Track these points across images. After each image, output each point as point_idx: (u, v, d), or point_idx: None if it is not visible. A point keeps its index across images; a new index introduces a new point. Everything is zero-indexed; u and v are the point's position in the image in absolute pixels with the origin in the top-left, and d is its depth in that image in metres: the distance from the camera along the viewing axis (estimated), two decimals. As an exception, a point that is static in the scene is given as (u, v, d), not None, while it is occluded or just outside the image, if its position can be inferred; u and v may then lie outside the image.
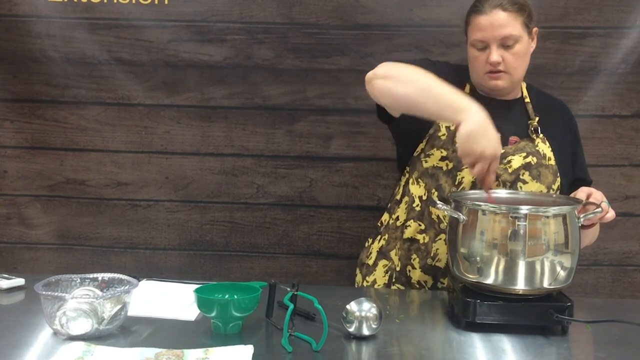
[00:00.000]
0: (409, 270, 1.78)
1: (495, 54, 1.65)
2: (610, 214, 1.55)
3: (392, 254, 1.82)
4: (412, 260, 1.78)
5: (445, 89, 1.55)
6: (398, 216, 1.83)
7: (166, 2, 2.27)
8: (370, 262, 1.87)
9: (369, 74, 1.67)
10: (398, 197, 1.85)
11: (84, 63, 2.32)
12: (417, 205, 1.78)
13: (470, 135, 1.47)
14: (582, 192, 1.58)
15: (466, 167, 1.66)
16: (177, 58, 2.30)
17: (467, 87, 1.78)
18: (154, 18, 2.28)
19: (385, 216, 1.90)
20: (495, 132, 1.49)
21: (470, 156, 1.48)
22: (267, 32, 2.27)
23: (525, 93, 1.81)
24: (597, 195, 1.56)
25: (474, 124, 1.47)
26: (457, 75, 1.80)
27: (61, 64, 2.32)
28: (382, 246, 1.86)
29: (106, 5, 2.27)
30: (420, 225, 1.77)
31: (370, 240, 1.92)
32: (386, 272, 1.82)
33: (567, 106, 1.89)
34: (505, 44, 1.65)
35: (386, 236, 1.85)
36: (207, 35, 2.28)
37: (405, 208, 1.81)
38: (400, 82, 1.60)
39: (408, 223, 1.79)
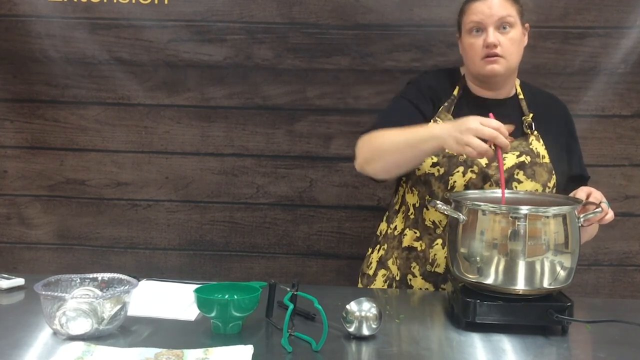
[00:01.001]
0: (410, 279, 1.78)
1: (492, 36, 1.66)
2: (610, 215, 1.55)
3: (390, 263, 1.82)
4: (412, 269, 1.78)
5: (418, 133, 1.58)
6: (396, 225, 1.84)
7: (166, 2, 2.27)
8: (371, 272, 1.87)
9: (357, 165, 1.72)
10: (397, 207, 1.86)
11: (84, 63, 2.32)
12: (412, 214, 1.79)
13: (457, 129, 1.47)
14: (582, 192, 1.58)
15: (457, 172, 1.68)
16: (177, 58, 2.30)
17: (457, 90, 1.78)
18: (154, 18, 2.28)
19: (384, 226, 1.90)
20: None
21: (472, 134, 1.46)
22: (267, 32, 2.27)
23: (518, 90, 1.81)
24: (596, 195, 1.56)
25: (452, 126, 1.50)
26: (446, 78, 1.81)
27: (61, 64, 2.32)
28: (381, 256, 1.86)
29: (106, 5, 2.27)
30: (415, 232, 1.78)
31: (370, 250, 1.93)
32: (385, 281, 1.82)
33: (563, 102, 1.89)
34: (502, 27, 1.67)
35: (385, 246, 1.86)
36: (207, 35, 2.28)
37: (402, 217, 1.83)
38: (385, 156, 1.65)
39: (405, 232, 1.80)
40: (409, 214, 1.80)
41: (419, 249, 1.77)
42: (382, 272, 1.84)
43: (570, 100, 2.19)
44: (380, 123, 1.72)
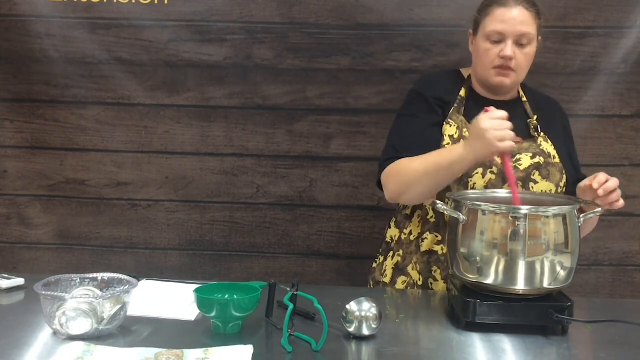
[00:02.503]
0: (431, 283, 1.76)
1: (510, 49, 1.66)
2: (621, 202, 1.55)
3: (410, 269, 1.80)
4: (433, 273, 1.76)
5: (448, 156, 1.59)
6: (411, 230, 1.82)
7: (166, 2, 2.27)
8: (387, 279, 1.84)
9: (388, 198, 1.72)
10: (408, 211, 1.84)
11: (84, 63, 2.32)
12: (432, 217, 1.77)
13: (481, 139, 1.49)
14: (601, 177, 1.54)
15: (476, 173, 1.67)
16: (177, 58, 2.30)
17: (463, 91, 1.78)
18: (154, 18, 2.28)
19: (395, 232, 1.87)
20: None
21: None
22: (267, 32, 2.27)
23: (521, 93, 1.82)
24: (612, 184, 1.53)
25: (473, 140, 1.52)
26: (449, 81, 1.80)
27: (61, 64, 2.32)
28: (397, 262, 1.83)
29: (106, 5, 2.27)
30: (437, 236, 1.76)
31: (382, 258, 1.89)
32: (406, 288, 1.80)
33: (559, 103, 1.90)
34: (521, 42, 1.67)
35: (401, 252, 1.83)
36: (207, 35, 2.28)
37: (419, 221, 1.80)
38: (419, 185, 1.64)
39: (424, 236, 1.78)
40: (428, 217, 1.77)
41: (439, 252, 1.75)
42: (401, 279, 1.81)
43: (570, 100, 2.19)
44: (400, 149, 1.71)
